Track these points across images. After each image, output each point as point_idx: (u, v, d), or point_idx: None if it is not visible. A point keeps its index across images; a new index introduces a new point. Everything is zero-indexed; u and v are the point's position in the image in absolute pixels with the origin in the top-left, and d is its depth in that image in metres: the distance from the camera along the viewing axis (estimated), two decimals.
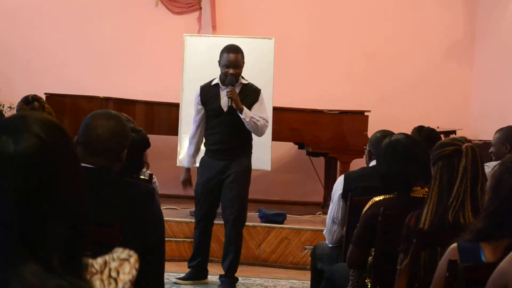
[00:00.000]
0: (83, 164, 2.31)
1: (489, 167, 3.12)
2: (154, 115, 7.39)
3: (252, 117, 5.17)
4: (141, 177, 3.68)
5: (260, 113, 5.25)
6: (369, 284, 3.31)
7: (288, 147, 8.18)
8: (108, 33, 8.41)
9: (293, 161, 8.42)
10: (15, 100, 7.29)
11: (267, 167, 6.76)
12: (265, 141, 6.66)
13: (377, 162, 3.55)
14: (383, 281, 3.22)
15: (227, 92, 5.13)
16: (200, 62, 6.51)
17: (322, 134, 7.27)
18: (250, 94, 5.29)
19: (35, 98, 4.54)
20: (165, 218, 2.40)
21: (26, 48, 8.42)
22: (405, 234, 2.83)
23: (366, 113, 7.31)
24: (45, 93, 6.86)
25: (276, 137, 6.90)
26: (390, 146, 3.41)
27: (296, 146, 8.00)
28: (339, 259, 4.06)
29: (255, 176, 7.25)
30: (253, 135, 5.37)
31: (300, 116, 7.31)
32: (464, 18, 8.64)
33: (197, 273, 5.48)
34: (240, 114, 5.14)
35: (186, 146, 6.65)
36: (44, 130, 1.16)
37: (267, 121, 5.30)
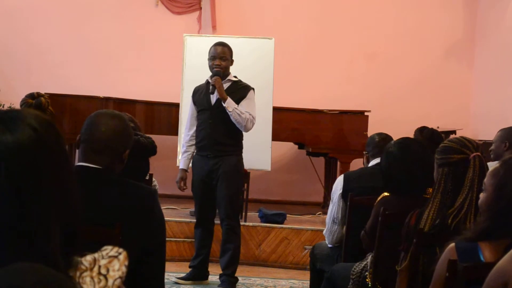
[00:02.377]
0: (85, 164, 2.31)
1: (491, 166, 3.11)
2: (154, 115, 7.39)
3: (236, 108, 5.12)
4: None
5: (247, 109, 5.19)
6: (370, 283, 3.31)
7: (288, 147, 8.19)
8: (108, 33, 8.42)
9: (293, 161, 8.42)
10: (15, 100, 7.30)
11: (267, 167, 6.76)
12: (265, 141, 6.67)
13: (385, 169, 3.47)
14: (383, 280, 3.22)
15: (211, 80, 5.15)
16: (200, 62, 6.48)
17: (322, 134, 7.27)
18: (239, 90, 5.25)
19: (40, 94, 4.57)
20: (165, 218, 2.40)
21: (26, 48, 8.42)
22: (405, 233, 2.83)
23: (366, 113, 7.31)
24: (45, 93, 6.85)
25: (276, 137, 6.90)
26: (401, 154, 3.37)
27: (296, 146, 8.00)
28: (338, 259, 4.06)
29: (255, 176, 7.27)
30: (244, 134, 5.35)
31: (300, 116, 7.31)
32: (464, 18, 8.64)
33: (198, 273, 5.48)
34: (223, 104, 5.12)
35: None
36: (38, 123, 1.19)
37: (253, 117, 5.20)
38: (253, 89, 5.31)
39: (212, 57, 5.22)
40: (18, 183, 1.13)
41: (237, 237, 5.37)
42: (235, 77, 5.32)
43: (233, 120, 5.14)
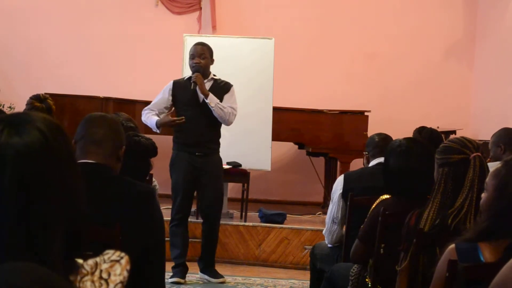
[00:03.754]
0: (84, 161, 2.32)
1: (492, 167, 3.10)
2: None
3: (218, 103, 5.28)
4: None
5: (230, 103, 5.35)
6: (370, 283, 3.30)
7: (288, 147, 8.19)
8: (108, 33, 8.42)
9: (293, 161, 8.42)
10: (15, 100, 7.31)
11: (267, 167, 6.77)
12: (265, 141, 6.68)
13: (388, 171, 3.42)
14: (383, 280, 3.22)
15: (192, 77, 5.27)
16: None
17: (322, 134, 7.27)
18: (221, 88, 5.41)
19: (46, 96, 4.57)
20: (164, 218, 2.40)
21: (26, 48, 8.42)
22: (405, 233, 2.82)
23: (366, 113, 7.31)
24: (45, 93, 6.85)
25: (276, 137, 6.90)
26: (404, 155, 3.32)
27: (296, 146, 8.00)
28: (338, 259, 4.05)
29: (255, 176, 7.27)
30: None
31: (300, 116, 7.30)
32: (464, 18, 8.64)
33: (185, 268, 5.47)
34: (205, 100, 5.25)
35: None
36: (46, 126, 1.19)
37: (234, 110, 5.37)
38: (232, 85, 5.47)
39: (192, 56, 5.38)
40: (24, 186, 1.13)
41: (218, 230, 5.57)
42: (214, 75, 5.45)
43: (216, 115, 5.29)
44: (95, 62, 8.42)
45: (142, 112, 5.56)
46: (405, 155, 3.32)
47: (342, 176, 4.21)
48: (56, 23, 8.45)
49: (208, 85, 5.34)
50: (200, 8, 8.48)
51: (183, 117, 5.27)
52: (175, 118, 5.31)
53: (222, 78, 5.49)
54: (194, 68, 5.33)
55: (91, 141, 2.37)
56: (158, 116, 5.44)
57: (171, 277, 5.39)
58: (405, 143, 3.37)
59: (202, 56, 5.35)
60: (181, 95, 5.41)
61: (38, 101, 4.51)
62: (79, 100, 7.25)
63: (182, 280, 5.41)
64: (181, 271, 5.43)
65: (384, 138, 4.22)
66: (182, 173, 5.37)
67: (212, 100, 5.26)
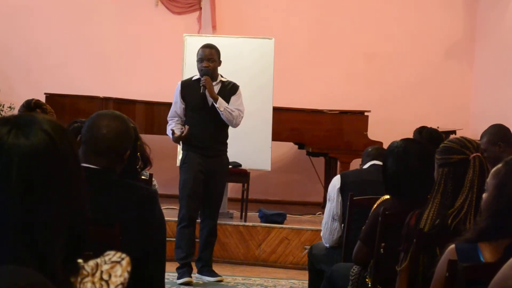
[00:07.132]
0: (86, 165, 2.31)
1: None
2: (154, 115, 7.39)
3: (226, 108, 5.32)
4: (142, 177, 3.66)
5: (237, 106, 5.40)
6: (370, 283, 3.31)
7: (288, 147, 8.19)
8: (108, 33, 8.41)
9: (293, 161, 8.42)
10: (15, 100, 7.30)
11: (267, 167, 6.77)
12: (265, 141, 6.68)
13: (388, 172, 3.41)
14: (383, 280, 3.22)
15: (201, 81, 5.29)
16: None
17: (322, 134, 7.27)
18: (228, 89, 5.44)
19: (37, 104, 4.46)
20: (165, 218, 2.40)
21: (26, 48, 8.42)
22: (405, 233, 2.82)
23: (366, 113, 7.32)
24: (45, 93, 6.87)
25: (276, 137, 6.91)
26: (404, 156, 3.32)
27: (296, 146, 8.00)
28: (338, 259, 4.06)
29: (255, 176, 7.27)
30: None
31: (300, 116, 7.31)
32: (464, 18, 8.64)
33: (190, 268, 5.46)
34: (214, 104, 5.28)
35: None
36: (52, 128, 1.20)
37: (242, 112, 5.42)
38: (239, 86, 5.51)
39: (200, 59, 5.39)
40: (29, 187, 1.14)
41: (217, 229, 5.63)
42: (222, 76, 5.47)
43: (224, 118, 5.32)
44: (95, 62, 8.41)
45: (170, 122, 5.58)
46: (403, 156, 3.32)
47: (338, 175, 4.31)
48: (56, 23, 8.45)
49: (216, 88, 5.36)
50: (200, 8, 8.48)
51: (187, 127, 5.32)
52: (183, 133, 5.31)
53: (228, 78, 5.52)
54: (203, 71, 5.34)
55: (93, 151, 2.34)
56: (182, 124, 5.47)
57: (179, 278, 5.37)
58: (402, 144, 3.38)
59: (211, 59, 5.36)
60: (190, 97, 5.43)
61: (29, 110, 4.40)
62: (79, 100, 7.25)
63: (191, 279, 5.39)
64: (187, 271, 5.43)
65: (376, 148, 4.43)
66: (193, 173, 5.37)
67: (221, 104, 5.29)
